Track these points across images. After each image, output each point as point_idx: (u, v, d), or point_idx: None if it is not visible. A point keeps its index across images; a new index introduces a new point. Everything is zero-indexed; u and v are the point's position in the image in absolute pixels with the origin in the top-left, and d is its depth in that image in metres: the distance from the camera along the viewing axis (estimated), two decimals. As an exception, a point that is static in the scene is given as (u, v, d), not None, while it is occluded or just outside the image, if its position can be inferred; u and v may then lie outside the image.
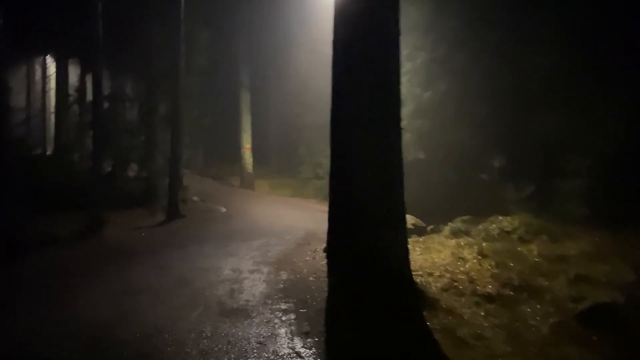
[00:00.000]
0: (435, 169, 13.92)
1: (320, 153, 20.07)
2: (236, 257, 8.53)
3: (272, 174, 22.94)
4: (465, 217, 11.37)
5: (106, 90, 14.98)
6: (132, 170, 14.79)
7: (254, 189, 20.39)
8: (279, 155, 23.67)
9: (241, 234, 11.06)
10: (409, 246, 6.74)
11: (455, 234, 10.34)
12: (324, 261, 8.15)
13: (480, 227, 10.24)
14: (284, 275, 7.17)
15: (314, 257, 8.40)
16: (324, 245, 9.84)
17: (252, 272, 7.37)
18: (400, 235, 6.25)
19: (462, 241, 9.69)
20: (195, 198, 14.77)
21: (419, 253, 8.84)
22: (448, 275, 7.59)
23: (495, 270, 7.81)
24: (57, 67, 19.49)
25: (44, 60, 24.38)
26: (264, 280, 6.82)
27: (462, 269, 8.05)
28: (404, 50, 8.87)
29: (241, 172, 20.71)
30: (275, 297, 6.11)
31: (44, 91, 24.65)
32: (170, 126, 13.04)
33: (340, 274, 6.63)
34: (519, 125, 11.45)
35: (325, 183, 20.34)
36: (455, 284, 7.18)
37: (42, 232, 10.68)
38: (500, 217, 10.24)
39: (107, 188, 13.24)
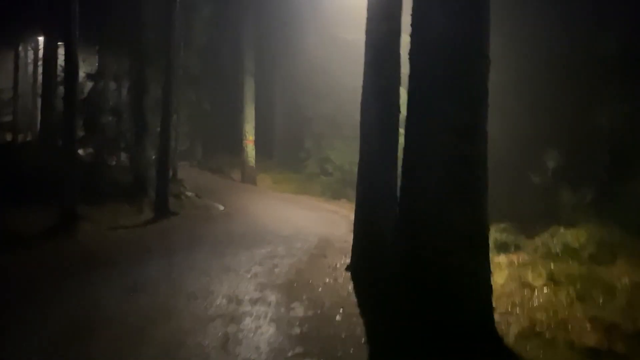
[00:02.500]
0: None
1: (328, 147, 17.88)
2: (234, 274, 6.36)
3: (276, 168, 20.73)
4: (507, 226, 9.33)
5: (91, 69, 12.80)
6: (119, 159, 12.59)
7: (256, 184, 18.21)
8: (284, 148, 21.43)
9: (241, 239, 8.89)
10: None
11: (503, 248, 8.18)
12: (350, 285, 6.00)
13: (538, 241, 8.10)
14: (299, 310, 4.99)
15: (335, 278, 6.23)
16: (344, 258, 7.72)
17: (254, 302, 5.20)
18: (483, 263, 4.09)
19: (515, 258, 7.56)
20: (189, 193, 12.60)
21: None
22: (521, 311, 5.45)
23: (582, 305, 5.67)
24: (45, 49, 17.28)
25: (37, 42, 22.18)
26: (271, 320, 4.64)
27: (534, 301, 5.89)
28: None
29: (242, 166, 18.51)
30: (291, 352, 3.93)
31: (35, 74, 22.49)
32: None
33: (385, 313, 4.50)
34: (578, 118, 9.30)
35: (333, 180, 18.25)
36: (538, 328, 5.03)
37: (5, 228, 8.53)
38: (562, 229, 8.10)
39: (88, 178, 11.09)
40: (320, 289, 5.77)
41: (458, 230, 3.93)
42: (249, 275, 6.29)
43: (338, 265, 6.94)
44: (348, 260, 7.24)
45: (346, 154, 17.28)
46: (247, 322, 4.59)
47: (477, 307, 4.02)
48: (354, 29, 16.05)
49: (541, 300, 5.94)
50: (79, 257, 7.10)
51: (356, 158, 16.12)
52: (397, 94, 6.45)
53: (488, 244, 4.13)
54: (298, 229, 10.18)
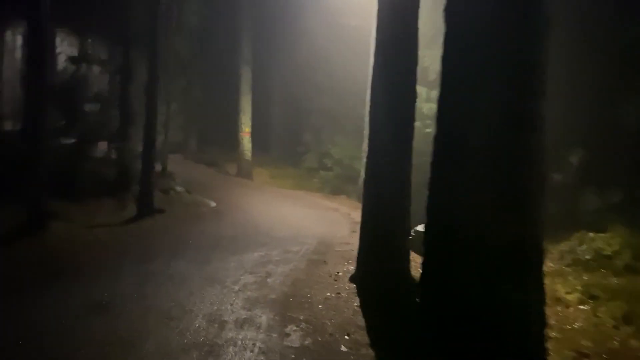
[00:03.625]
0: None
1: (328, 141, 16.88)
2: (219, 286, 5.37)
3: (273, 162, 19.70)
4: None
5: (71, 51, 11.75)
6: (102, 151, 11.54)
7: (252, 178, 17.20)
8: (281, 141, 20.40)
9: (231, 242, 7.90)
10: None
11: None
12: (356, 301, 5.02)
13: (564, 246, 7.15)
14: (295, 337, 4.00)
15: (338, 292, 5.24)
16: (347, 265, 6.74)
17: (241, 324, 4.21)
18: (536, 290, 3.10)
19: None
20: (179, 188, 11.58)
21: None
22: (560, 335, 4.51)
23: (631, 330, 4.74)
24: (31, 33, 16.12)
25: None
26: (260, 351, 3.66)
27: (573, 322, 4.96)
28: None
29: (238, 159, 17.49)
30: (284, 404, 2.96)
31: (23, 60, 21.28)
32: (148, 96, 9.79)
33: (402, 346, 3.56)
34: (603, 112, 8.32)
35: (332, 175, 17.23)
36: (587, 361, 4.09)
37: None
38: (590, 234, 7.14)
39: (67, 171, 10.08)
40: (320, 306, 4.79)
41: (506, 246, 2.97)
42: (236, 288, 5.30)
43: (340, 274, 5.96)
44: (352, 268, 6.26)
45: (346, 149, 16.31)
46: (230, 355, 3.61)
47: (525, 347, 3.05)
48: (358, 15, 15.08)
49: (581, 321, 5.00)
50: (39, 264, 6.09)
51: (357, 153, 15.16)
52: (413, 77, 5.45)
53: (542, 266, 3.16)
54: (295, 229, 9.20)
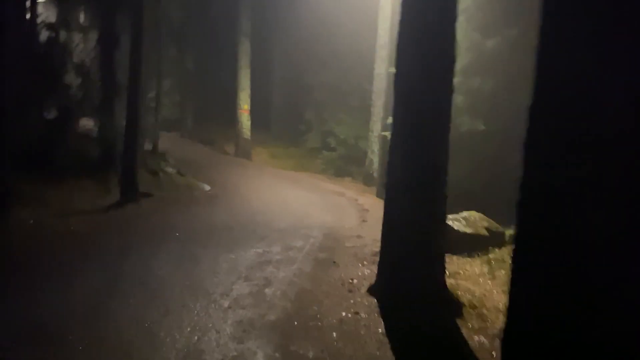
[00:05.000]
0: (500, 146, 9.47)
1: (331, 119, 15.49)
2: (205, 300, 4.12)
3: (273, 141, 18.32)
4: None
5: (51, 17, 10.26)
6: (85, 127, 10.19)
7: (251, 158, 15.87)
8: (282, 119, 18.95)
9: (225, 234, 6.64)
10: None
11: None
12: (380, 325, 3.78)
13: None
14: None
15: (356, 311, 3.99)
16: (361, 267, 5.50)
17: (228, 369, 3.01)
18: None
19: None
20: (169, 169, 10.27)
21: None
22: None
23: None
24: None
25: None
26: None
27: None
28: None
29: (236, 138, 16.12)
30: None
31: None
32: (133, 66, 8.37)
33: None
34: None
35: (336, 156, 15.88)
36: None
37: None
38: None
39: (44, 148, 8.80)
40: (334, 334, 3.56)
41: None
42: (226, 304, 4.05)
43: (355, 281, 4.72)
44: (368, 273, 5.03)
45: (351, 127, 14.94)
46: None
47: None
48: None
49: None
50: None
51: (363, 132, 13.75)
52: (452, 29, 4.14)
53: None
54: (298, 218, 7.94)
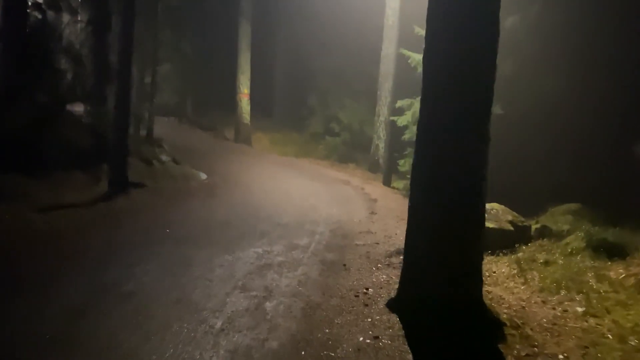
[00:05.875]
0: (519, 132, 8.72)
1: (335, 104, 14.63)
2: (194, 321, 3.37)
3: (274, 126, 17.47)
4: (573, 207, 6.71)
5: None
6: (76, 114, 9.36)
7: (252, 144, 15.05)
8: (284, 104, 18.07)
9: (222, 231, 5.89)
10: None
11: (602, 249, 5.25)
12: (408, 355, 3.03)
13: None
14: None
15: (377, 336, 3.24)
16: (376, 271, 4.72)
17: None
18: None
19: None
20: (164, 158, 9.49)
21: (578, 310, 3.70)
22: None
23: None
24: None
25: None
26: None
27: None
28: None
29: (236, 124, 15.29)
30: None
31: None
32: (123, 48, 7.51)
33: None
34: None
35: (340, 141, 15.03)
36: None
37: None
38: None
39: (31, 137, 8.01)
40: (351, 368, 2.83)
41: None
42: (219, 324, 3.30)
43: (371, 291, 3.98)
44: (384, 278, 4.31)
45: (356, 112, 14.08)
46: None
47: None
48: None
49: None
50: None
51: (368, 117, 12.87)
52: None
53: None
54: (302, 210, 7.19)
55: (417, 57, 9.16)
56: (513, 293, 4.37)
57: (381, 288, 4.06)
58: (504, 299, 4.10)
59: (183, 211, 6.83)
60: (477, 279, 3.39)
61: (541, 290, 4.46)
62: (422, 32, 9.17)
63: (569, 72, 8.44)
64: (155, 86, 11.06)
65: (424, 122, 3.51)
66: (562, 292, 4.32)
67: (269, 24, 16.91)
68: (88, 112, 9.18)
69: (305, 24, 15.60)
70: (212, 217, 6.56)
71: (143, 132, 10.57)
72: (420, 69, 9.24)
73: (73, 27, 9.64)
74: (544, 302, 4.12)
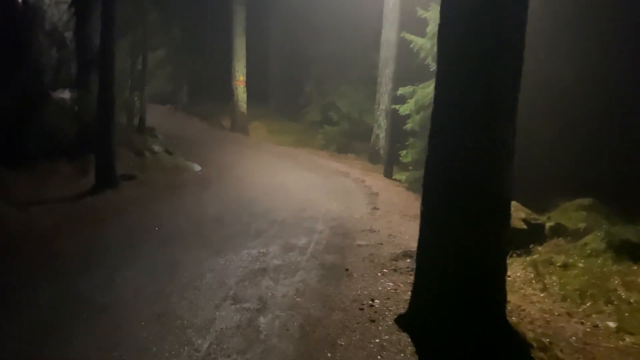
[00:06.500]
0: (528, 122, 8.17)
1: (333, 92, 14.05)
2: (176, 338, 2.92)
3: (271, 115, 16.88)
4: (586, 202, 6.32)
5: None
6: (61, 101, 8.79)
7: (248, 133, 14.51)
8: (281, 92, 17.47)
9: (214, 229, 5.40)
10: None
11: (625, 251, 4.82)
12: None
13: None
14: None
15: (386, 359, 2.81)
16: (381, 277, 4.20)
17: None
18: None
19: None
20: (157, 148, 8.96)
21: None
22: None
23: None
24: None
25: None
26: None
27: None
28: None
29: (232, 112, 14.71)
30: None
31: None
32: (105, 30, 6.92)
33: None
34: None
35: (338, 131, 14.43)
36: None
37: None
38: None
39: (13, 126, 7.50)
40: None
41: None
42: (204, 346, 2.84)
43: (378, 304, 3.52)
44: (390, 285, 3.87)
45: (355, 100, 13.50)
46: None
47: None
48: None
49: None
50: None
51: (368, 105, 12.28)
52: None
53: None
54: (299, 205, 6.71)
55: (420, 42, 8.62)
56: (533, 302, 3.93)
57: (388, 299, 3.60)
58: (524, 310, 3.65)
59: (174, 206, 6.34)
60: (501, 293, 2.94)
61: (564, 299, 4.01)
62: (426, 14, 8.57)
63: (580, 60, 7.94)
64: (145, 72, 10.46)
65: (440, 110, 3.02)
66: (588, 302, 3.88)
67: (264, 8, 16.22)
68: (73, 98, 8.62)
69: (301, 8, 14.94)
70: (204, 213, 6.07)
71: (136, 122, 10.02)
72: (423, 54, 8.87)
73: (56, 8, 9.02)
74: (569, 314, 3.68)
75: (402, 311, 3.39)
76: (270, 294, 3.64)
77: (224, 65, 15.43)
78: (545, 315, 3.65)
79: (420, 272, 3.10)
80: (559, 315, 3.68)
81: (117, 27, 7.08)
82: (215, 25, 15.89)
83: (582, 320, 3.61)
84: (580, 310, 3.78)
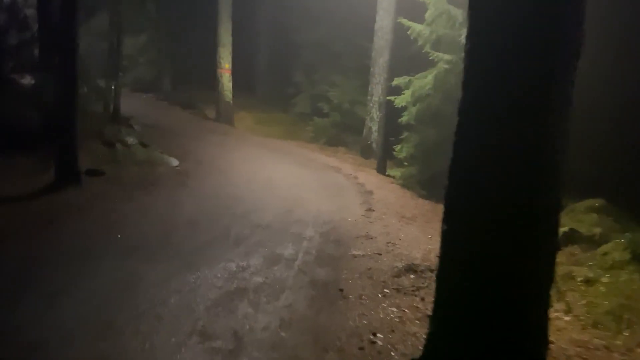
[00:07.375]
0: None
1: (324, 81, 13.23)
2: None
3: (258, 105, 15.99)
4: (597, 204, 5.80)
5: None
6: (20, 87, 7.87)
7: (234, 124, 13.62)
8: (268, 81, 16.56)
9: (187, 236, 4.62)
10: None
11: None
12: None
13: None
14: None
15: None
16: (384, 300, 3.26)
17: None
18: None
19: None
20: (130, 140, 8.09)
21: None
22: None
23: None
24: None
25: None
26: None
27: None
28: None
29: (217, 101, 13.81)
30: None
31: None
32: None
33: None
34: None
35: (328, 122, 13.55)
36: None
37: None
38: None
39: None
40: None
41: None
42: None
43: (381, 340, 2.81)
44: (394, 312, 3.20)
45: (346, 91, 12.71)
46: None
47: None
48: None
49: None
50: None
51: (360, 97, 11.40)
52: None
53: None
54: (287, 205, 5.95)
55: (418, 28, 7.88)
56: (560, 330, 3.26)
57: (393, 332, 2.89)
58: (553, 343, 2.98)
59: (143, 207, 5.53)
60: (542, 336, 2.24)
61: (594, 325, 3.37)
62: (423, -1, 7.74)
63: (594, 59, 7.29)
64: (120, 56, 9.55)
65: (471, 102, 2.28)
66: (626, 331, 3.24)
67: (251, -8, 15.27)
68: (36, 84, 7.71)
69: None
70: (177, 215, 5.29)
71: (110, 109, 9.12)
72: (421, 42, 8.11)
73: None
74: (607, 348, 3.02)
75: (411, 349, 2.69)
76: (247, 327, 2.90)
77: (210, 53, 14.49)
78: (578, 349, 2.99)
79: (440, 307, 2.38)
80: (596, 349, 3.02)
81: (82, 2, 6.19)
82: (200, 10, 14.90)
83: (625, 356, 2.97)
84: (619, 343, 3.13)
